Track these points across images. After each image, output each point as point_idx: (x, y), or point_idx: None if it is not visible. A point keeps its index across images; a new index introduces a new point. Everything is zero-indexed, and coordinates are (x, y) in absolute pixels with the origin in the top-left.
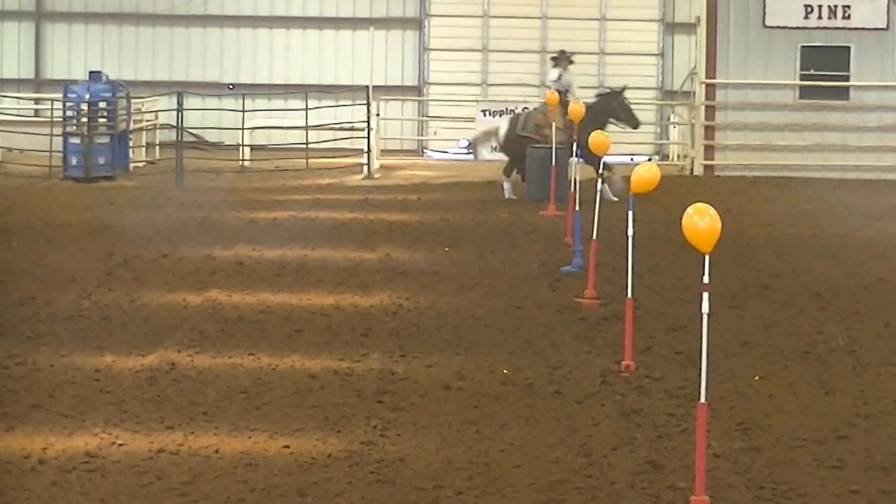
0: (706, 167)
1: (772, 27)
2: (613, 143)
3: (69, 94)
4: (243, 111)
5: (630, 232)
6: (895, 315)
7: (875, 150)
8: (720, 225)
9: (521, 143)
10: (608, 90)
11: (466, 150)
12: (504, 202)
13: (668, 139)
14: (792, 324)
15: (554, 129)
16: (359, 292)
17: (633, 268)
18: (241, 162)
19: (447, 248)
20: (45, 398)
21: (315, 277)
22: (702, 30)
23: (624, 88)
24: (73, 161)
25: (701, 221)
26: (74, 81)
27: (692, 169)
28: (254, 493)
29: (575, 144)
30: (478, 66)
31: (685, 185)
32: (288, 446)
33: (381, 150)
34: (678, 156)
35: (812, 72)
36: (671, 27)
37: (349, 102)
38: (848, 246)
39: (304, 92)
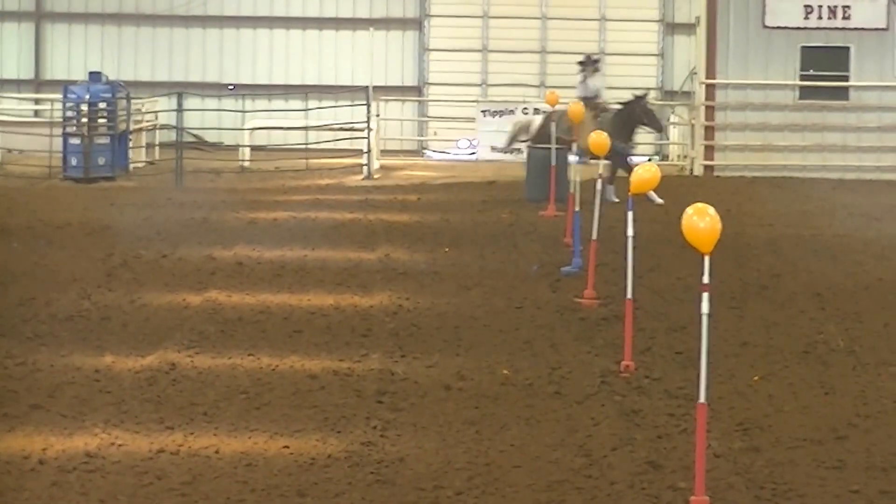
0: (706, 167)
1: (772, 27)
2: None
3: (69, 95)
4: (243, 112)
5: (630, 232)
6: (895, 315)
7: (875, 150)
8: (720, 225)
9: (550, 140)
10: (633, 96)
11: (506, 146)
12: (504, 203)
13: (667, 139)
14: (791, 324)
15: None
16: (359, 293)
17: (632, 268)
18: (240, 162)
19: (447, 249)
20: (45, 398)
21: (315, 278)
22: (702, 30)
23: (647, 93)
24: (73, 161)
25: (701, 222)
26: (74, 82)
27: (692, 169)
28: (254, 494)
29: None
30: (478, 67)
31: (685, 185)
32: (288, 447)
33: (381, 151)
34: (678, 156)
35: (812, 72)
36: (671, 27)
37: (349, 103)
38: (848, 246)
39: (304, 92)
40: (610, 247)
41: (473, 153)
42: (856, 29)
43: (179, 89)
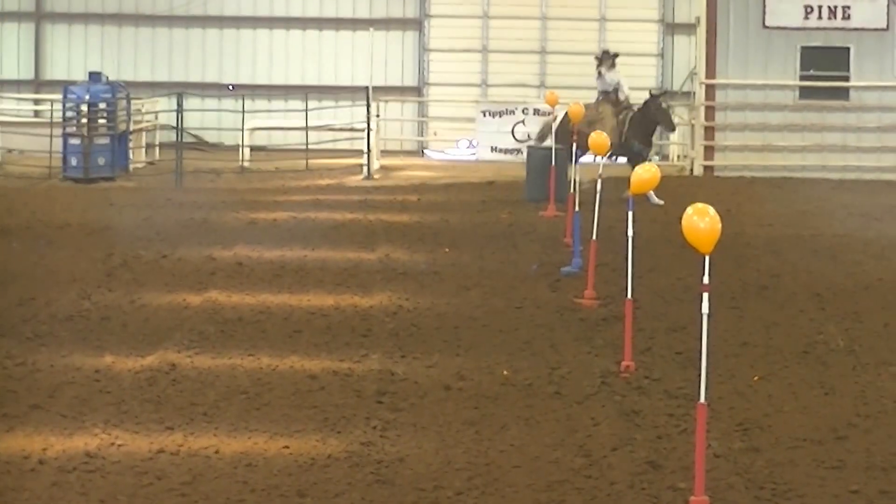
0: (706, 168)
1: (771, 28)
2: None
3: (69, 95)
4: (243, 112)
5: (630, 232)
6: (894, 315)
7: (875, 150)
8: (720, 226)
9: (571, 136)
10: (649, 94)
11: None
12: (504, 203)
13: (667, 139)
14: (791, 324)
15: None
16: (358, 293)
17: (632, 268)
18: (240, 163)
19: (447, 249)
20: (45, 399)
21: (315, 278)
22: (701, 30)
23: (664, 92)
24: (73, 162)
25: (701, 222)
26: (74, 82)
27: (692, 169)
28: (253, 494)
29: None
30: (477, 67)
31: (685, 185)
32: (288, 447)
33: (381, 151)
34: (678, 156)
35: (812, 72)
36: (671, 27)
37: (349, 103)
38: (847, 246)
39: (304, 93)
40: (610, 247)
41: (473, 153)
42: (856, 29)
43: (179, 89)
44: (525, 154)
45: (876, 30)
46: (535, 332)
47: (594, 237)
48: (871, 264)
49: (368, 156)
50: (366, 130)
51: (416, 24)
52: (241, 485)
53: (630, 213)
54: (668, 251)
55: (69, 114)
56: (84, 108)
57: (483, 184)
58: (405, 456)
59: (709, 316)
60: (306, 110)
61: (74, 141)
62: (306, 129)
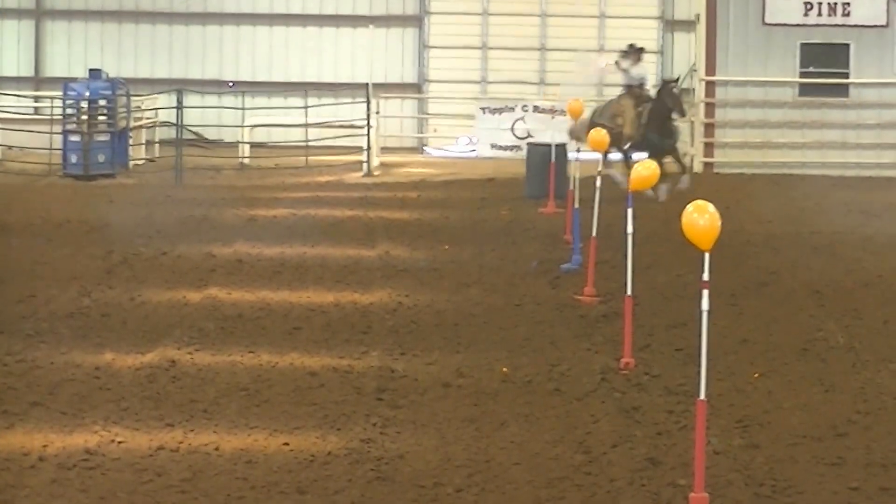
0: (705, 164)
1: (771, 24)
2: None
3: (69, 92)
4: (243, 109)
5: (629, 229)
6: (894, 312)
7: (874, 147)
8: (720, 222)
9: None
10: (661, 81)
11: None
12: (503, 200)
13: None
14: (791, 321)
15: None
16: (358, 290)
17: (632, 265)
18: (240, 159)
19: (446, 246)
20: (45, 396)
21: (314, 275)
22: (701, 27)
23: (676, 79)
24: (73, 159)
25: (700, 219)
26: (74, 79)
27: (691, 166)
28: (253, 491)
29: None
30: (477, 64)
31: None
32: (287, 444)
33: (381, 148)
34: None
35: (811, 69)
36: (670, 24)
37: (349, 100)
38: (847, 243)
39: (304, 89)
40: (609, 244)
41: (473, 150)
42: (855, 26)
43: (179, 86)
44: (525, 151)
45: (876, 27)
46: (534, 329)
47: (594, 234)
48: (870, 261)
49: (368, 153)
50: (365, 127)
51: (416, 20)
52: (241, 481)
53: (629, 210)
54: (668, 248)
55: (69, 111)
56: (84, 104)
57: (483, 181)
58: (405, 453)
59: (708, 313)
60: (306, 107)
61: (74, 138)
62: (306, 125)
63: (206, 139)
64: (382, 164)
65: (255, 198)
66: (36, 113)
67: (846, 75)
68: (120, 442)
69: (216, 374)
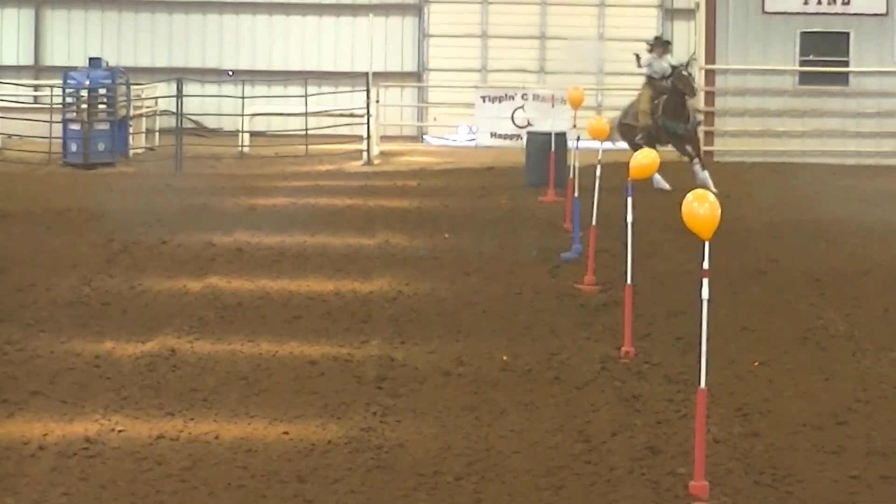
0: (705, 153)
1: (771, 13)
2: None
3: (69, 81)
4: (243, 97)
5: (629, 218)
6: (894, 300)
7: (874, 135)
8: (720, 211)
9: (626, 130)
10: (671, 67)
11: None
12: (503, 188)
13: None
14: (791, 309)
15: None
16: (358, 278)
17: (632, 254)
18: (240, 148)
19: (446, 235)
20: (45, 384)
21: (314, 264)
22: (701, 15)
23: (688, 61)
24: (73, 147)
25: (701, 208)
26: (74, 68)
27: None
28: (253, 479)
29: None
30: (477, 52)
31: (684, 170)
32: (287, 432)
33: (381, 137)
34: None
35: (811, 57)
36: (670, 13)
37: (349, 89)
38: (847, 231)
39: (304, 78)
40: (609, 232)
41: (473, 139)
42: (855, 14)
43: (179, 75)
44: (524, 139)
45: (875, 15)
46: (534, 318)
47: (594, 222)
48: (870, 249)
49: (368, 141)
50: (365, 116)
51: (416, 9)
52: (241, 470)
53: (629, 199)
54: (668, 236)
55: (69, 99)
56: (84, 93)
57: (482, 169)
58: (405, 441)
59: (708, 301)
60: (306, 96)
61: (74, 126)
62: (306, 114)
63: (206, 128)
64: (382, 153)
65: (255, 186)
66: (36, 101)
67: (846, 64)
68: (120, 430)
69: (216, 362)
